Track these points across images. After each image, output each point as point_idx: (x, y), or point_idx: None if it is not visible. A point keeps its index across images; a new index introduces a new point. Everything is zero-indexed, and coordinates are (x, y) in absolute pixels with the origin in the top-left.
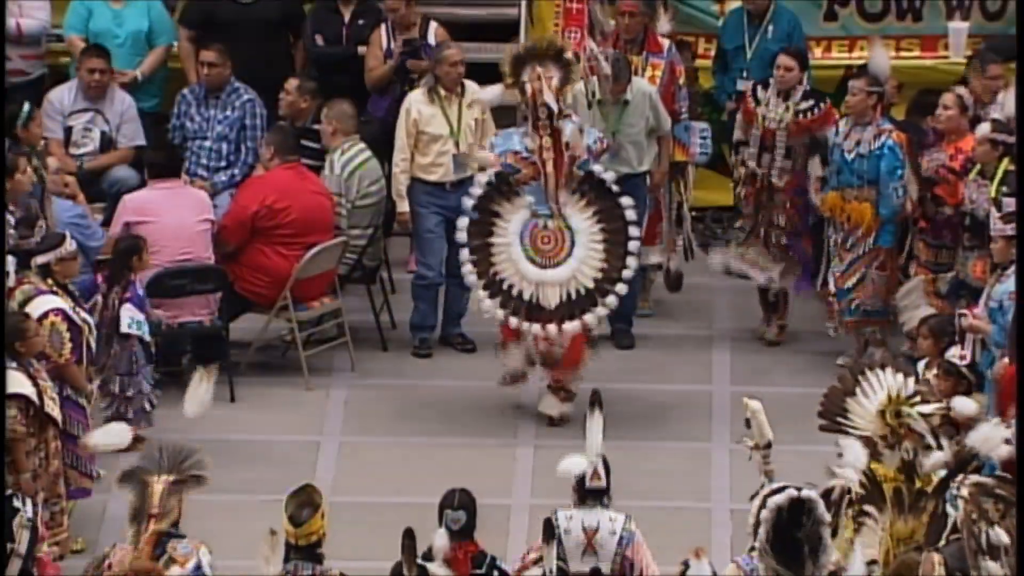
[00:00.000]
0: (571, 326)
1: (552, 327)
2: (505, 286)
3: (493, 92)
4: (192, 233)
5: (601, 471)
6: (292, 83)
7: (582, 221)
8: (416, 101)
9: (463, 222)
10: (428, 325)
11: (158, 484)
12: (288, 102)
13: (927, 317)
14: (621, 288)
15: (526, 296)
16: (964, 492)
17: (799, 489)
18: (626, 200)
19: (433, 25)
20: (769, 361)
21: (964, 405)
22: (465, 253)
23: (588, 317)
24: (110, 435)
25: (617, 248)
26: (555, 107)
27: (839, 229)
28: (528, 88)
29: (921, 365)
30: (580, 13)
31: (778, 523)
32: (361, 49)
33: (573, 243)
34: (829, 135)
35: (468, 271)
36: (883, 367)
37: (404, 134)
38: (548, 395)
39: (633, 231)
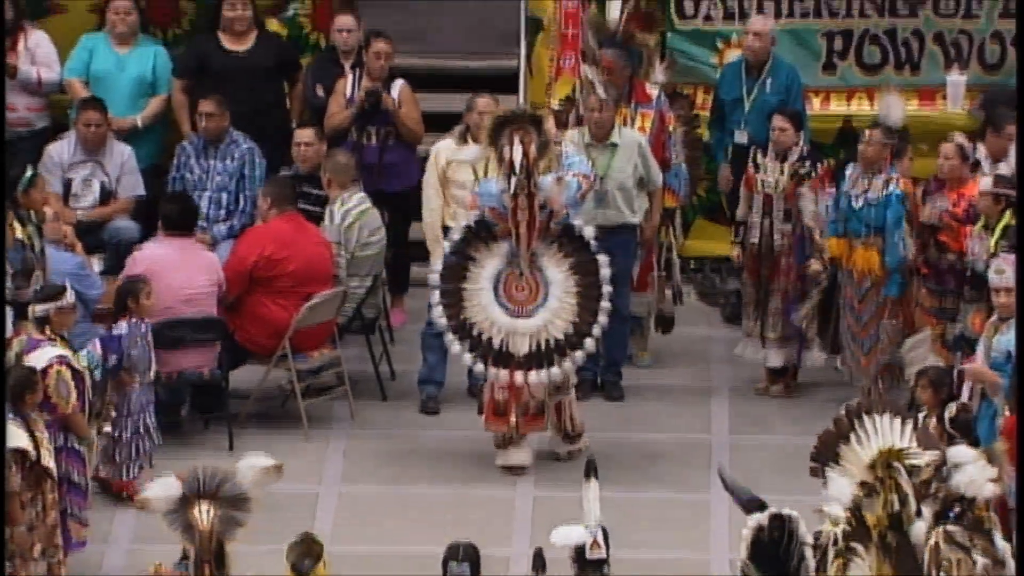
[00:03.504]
0: (537, 377)
1: (519, 376)
2: (475, 332)
3: (473, 152)
4: (201, 296)
5: (601, 540)
6: (308, 134)
7: (557, 273)
8: (445, 149)
9: (438, 264)
10: (436, 380)
11: (203, 516)
12: (315, 151)
13: (927, 368)
14: (589, 344)
15: (496, 343)
16: (932, 539)
17: (780, 508)
18: (602, 257)
19: (399, 82)
20: (769, 410)
21: (960, 453)
22: (436, 296)
23: (555, 370)
24: (163, 488)
25: (590, 303)
26: (526, 171)
27: (850, 281)
28: (506, 151)
29: (920, 416)
30: (575, 39)
31: (759, 540)
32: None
33: (547, 294)
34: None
35: (438, 314)
36: (882, 411)
37: (435, 180)
38: (554, 435)
39: (606, 288)
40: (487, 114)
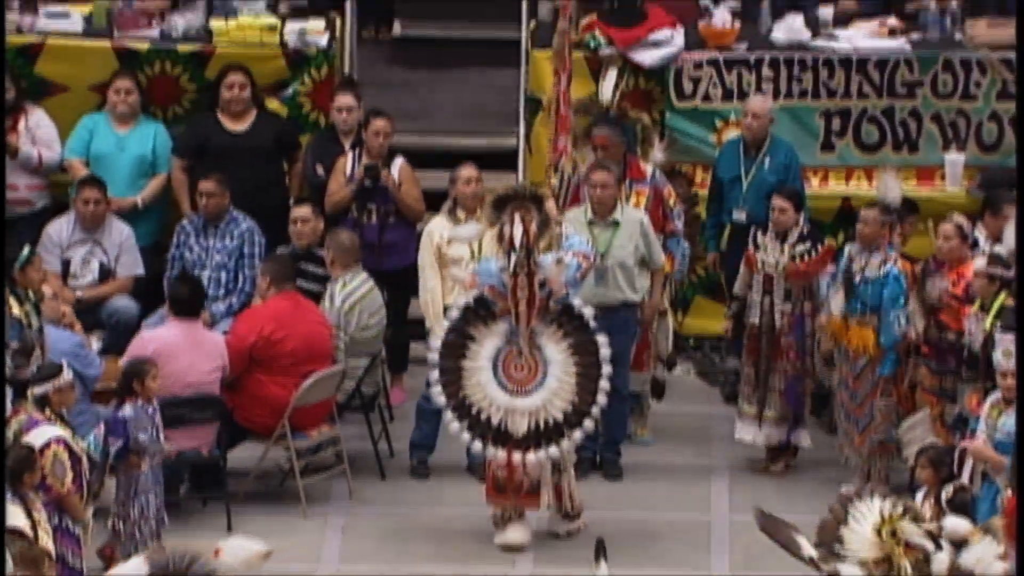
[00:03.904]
0: (536, 456)
1: (518, 455)
2: (474, 410)
3: (473, 228)
4: (204, 382)
5: None
6: (304, 210)
7: (557, 352)
8: (438, 226)
9: (436, 343)
10: (427, 445)
11: None
12: (311, 227)
13: (926, 447)
14: (588, 424)
15: (494, 422)
16: None
17: None
18: (602, 337)
19: (399, 160)
20: (769, 489)
21: (956, 525)
22: (435, 374)
23: (553, 449)
24: (130, 568)
25: (589, 383)
26: (526, 249)
27: (845, 359)
28: (506, 229)
29: (920, 495)
30: (567, 119)
31: None
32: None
33: (546, 373)
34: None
35: (437, 392)
36: (872, 495)
37: (431, 258)
38: (553, 513)
39: (606, 368)
40: (473, 180)
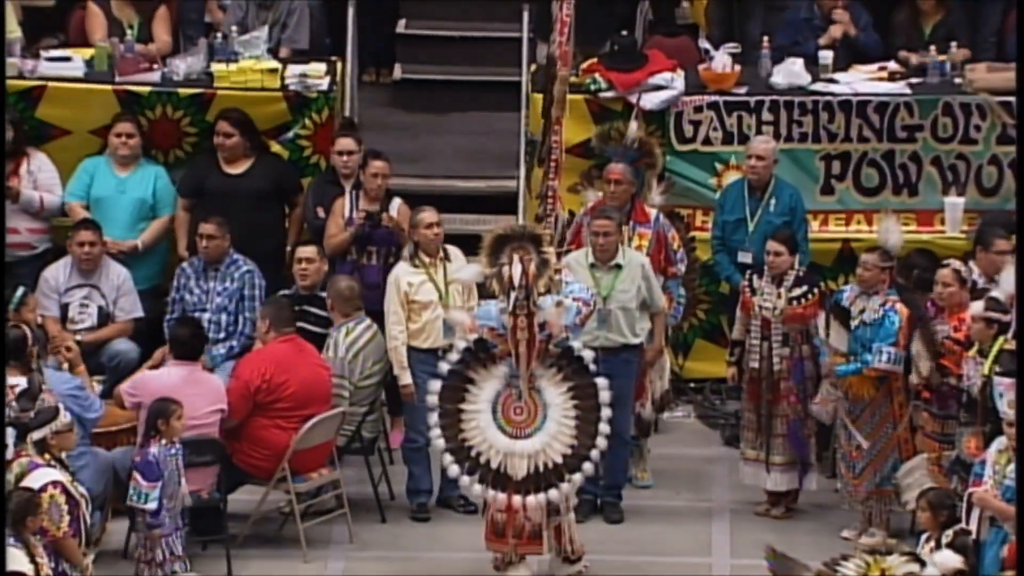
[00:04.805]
0: (536, 499)
1: (517, 498)
2: (473, 453)
3: (472, 271)
4: (202, 425)
5: None
6: (309, 250)
7: (556, 395)
8: (403, 273)
9: (435, 385)
10: (423, 489)
11: None
12: (316, 268)
13: (926, 490)
14: (588, 467)
15: (493, 464)
16: None
17: None
18: (601, 380)
19: (397, 201)
20: (771, 533)
21: (947, 559)
22: (435, 417)
23: (552, 492)
24: None
25: (588, 426)
26: (525, 289)
27: (844, 401)
28: (505, 270)
29: (922, 540)
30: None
31: None
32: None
33: (545, 416)
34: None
35: (436, 435)
36: (855, 551)
37: (397, 307)
38: (554, 557)
39: (605, 411)
40: (435, 225)
